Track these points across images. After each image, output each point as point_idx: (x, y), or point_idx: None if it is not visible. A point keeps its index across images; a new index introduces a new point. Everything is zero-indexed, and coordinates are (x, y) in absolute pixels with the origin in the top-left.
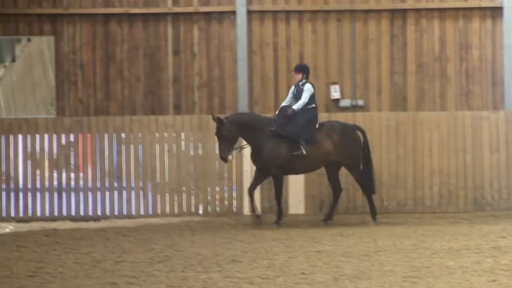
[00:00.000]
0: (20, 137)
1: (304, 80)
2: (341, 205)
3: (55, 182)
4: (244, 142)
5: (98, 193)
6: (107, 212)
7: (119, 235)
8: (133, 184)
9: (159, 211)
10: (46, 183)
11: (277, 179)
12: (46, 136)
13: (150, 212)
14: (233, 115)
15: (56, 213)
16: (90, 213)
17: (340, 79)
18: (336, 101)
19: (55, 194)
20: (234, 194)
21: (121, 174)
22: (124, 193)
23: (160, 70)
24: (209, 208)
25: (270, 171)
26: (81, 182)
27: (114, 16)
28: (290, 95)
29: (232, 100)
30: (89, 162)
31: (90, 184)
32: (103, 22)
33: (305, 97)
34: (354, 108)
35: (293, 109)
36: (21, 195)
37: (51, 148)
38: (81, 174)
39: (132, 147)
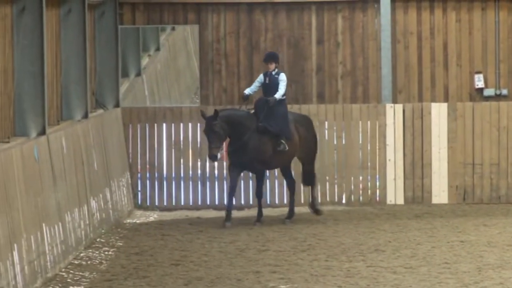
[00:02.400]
0: (164, 125)
1: (276, 70)
2: (484, 195)
3: (199, 171)
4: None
5: (242, 182)
6: (250, 202)
7: (262, 224)
8: (276, 174)
9: (302, 201)
10: (190, 172)
11: (262, 176)
12: (190, 125)
13: None
14: (220, 112)
15: (199, 202)
16: (234, 202)
17: (484, 68)
18: (480, 90)
19: (199, 183)
20: (378, 183)
21: None
22: (268, 182)
23: (304, 59)
24: (352, 198)
25: (252, 167)
26: (224, 172)
27: (258, 5)
28: (257, 83)
29: (375, 89)
30: None
31: None
32: (247, 11)
33: (283, 86)
34: (498, 97)
35: (275, 98)
36: (165, 184)
37: (194, 137)
38: (224, 163)
39: None
